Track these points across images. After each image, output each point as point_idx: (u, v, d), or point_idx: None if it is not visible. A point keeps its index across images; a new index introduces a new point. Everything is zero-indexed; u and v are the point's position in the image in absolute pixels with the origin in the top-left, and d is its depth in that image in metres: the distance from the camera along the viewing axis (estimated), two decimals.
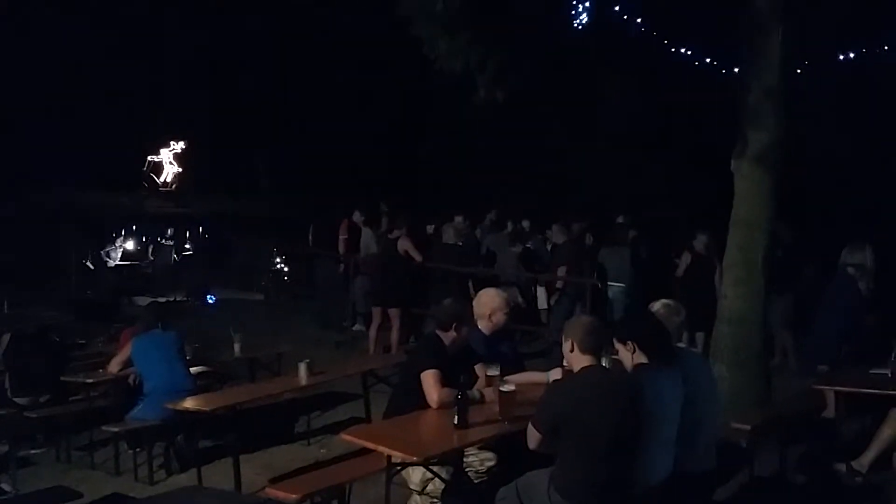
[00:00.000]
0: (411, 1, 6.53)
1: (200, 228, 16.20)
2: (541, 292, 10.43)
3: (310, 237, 12.45)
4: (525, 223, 11.25)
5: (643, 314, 4.57)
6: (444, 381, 4.62)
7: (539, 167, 17.05)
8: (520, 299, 10.16)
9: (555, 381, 4.26)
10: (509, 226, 11.35)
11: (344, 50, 18.61)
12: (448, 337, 4.87)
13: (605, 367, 4.17)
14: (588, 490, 3.84)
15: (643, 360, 4.15)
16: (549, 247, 10.65)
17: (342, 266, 11.31)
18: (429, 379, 4.63)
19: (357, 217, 11.43)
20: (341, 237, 11.41)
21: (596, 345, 4.02)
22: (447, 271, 9.43)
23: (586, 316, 4.31)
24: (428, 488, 4.49)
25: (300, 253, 13.11)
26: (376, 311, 9.34)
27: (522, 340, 9.16)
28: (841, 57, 6.72)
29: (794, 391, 6.74)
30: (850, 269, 6.56)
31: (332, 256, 11.43)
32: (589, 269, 9.38)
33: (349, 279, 11.09)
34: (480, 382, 4.86)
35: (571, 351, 4.03)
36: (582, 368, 3.99)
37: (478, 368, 4.94)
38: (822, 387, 5.23)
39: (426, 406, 4.63)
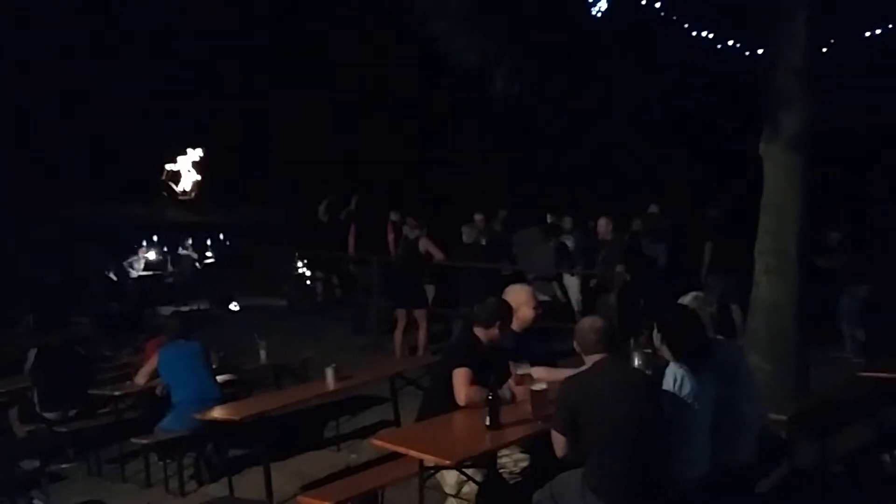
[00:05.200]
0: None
1: (221, 236, 16.19)
2: (573, 288, 10.19)
3: (350, 240, 12.15)
4: (567, 219, 10.98)
5: (676, 309, 4.45)
6: (476, 380, 4.55)
7: (557, 160, 16.86)
8: (558, 293, 9.98)
9: (566, 377, 4.16)
10: (549, 218, 11.06)
11: (357, 52, 18.52)
12: (488, 334, 4.79)
13: (618, 359, 4.13)
14: (620, 485, 3.78)
15: (669, 354, 4.09)
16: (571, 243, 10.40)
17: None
18: (459, 377, 4.57)
19: (395, 217, 11.29)
20: (390, 237, 11.24)
21: (601, 344, 3.98)
22: (472, 271, 9.31)
23: (588, 317, 4.22)
24: (463, 490, 4.41)
25: (324, 257, 12.96)
26: (400, 313, 9.28)
27: (556, 338, 8.96)
28: (867, 34, 6.54)
29: (834, 380, 6.59)
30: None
31: (362, 259, 11.17)
32: (635, 262, 9.12)
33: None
34: (512, 380, 4.78)
35: (581, 355, 4.06)
36: (594, 363, 3.98)
37: (510, 366, 4.86)
38: (867, 374, 5.07)
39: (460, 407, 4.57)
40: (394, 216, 11.53)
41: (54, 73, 17.36)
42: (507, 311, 4.90)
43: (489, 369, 4.62)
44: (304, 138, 19.99)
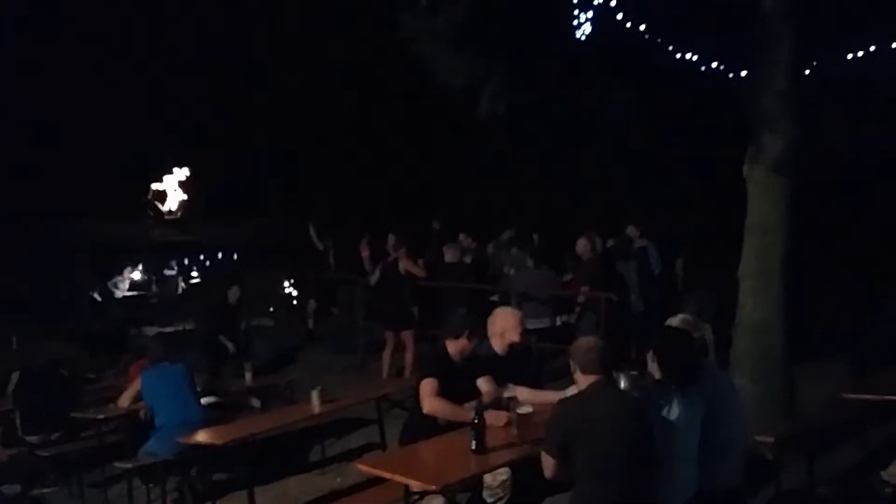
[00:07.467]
0: (411, 19, 6.48)
1: (207, 255, 16.11)
2: None
3: (331, 260, 12.05)
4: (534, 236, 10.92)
5: (669, 331, 4.43)
6: (443, 391, 4.59)
7: (542, 181, 16.89)
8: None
9: (560, 400, 4.13)
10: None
11: (346, 70, 18.53)
12: (456, 346, 4.81)
13: (612, 382, 4.06)
14: None
15: (659, 375, 4.08)
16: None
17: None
18: (426, 387, 4.63)
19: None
20: (364, 255, 11.12)
21: (598, 364, 3.92)
22: (457, 291, 9.28)
23: (587, 337, 4.18)
24: None
25: (312, 277, 12.87)
26: (389, 335, 9.23)
27: (546, 359, 8.88)
28: (850, 56, 6.60)
29: (821, 400, 6.58)
30: None
31: (348, 279, 11.10)
32: (611, 282, 9.08)
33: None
34: (485, 398, 4.72)
35: (576, 373, 3.98)
36: (588, 386, 3.90)
37: (482, 382, 4.80)
38: (853, 395, 5.07)
39: (441, 430, 4.56)
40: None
41: (39, 94, 17.26)
42: (475, 323, 4.91)
43: (461, 382, 4.66)
44: (296, 154, 19.95)
